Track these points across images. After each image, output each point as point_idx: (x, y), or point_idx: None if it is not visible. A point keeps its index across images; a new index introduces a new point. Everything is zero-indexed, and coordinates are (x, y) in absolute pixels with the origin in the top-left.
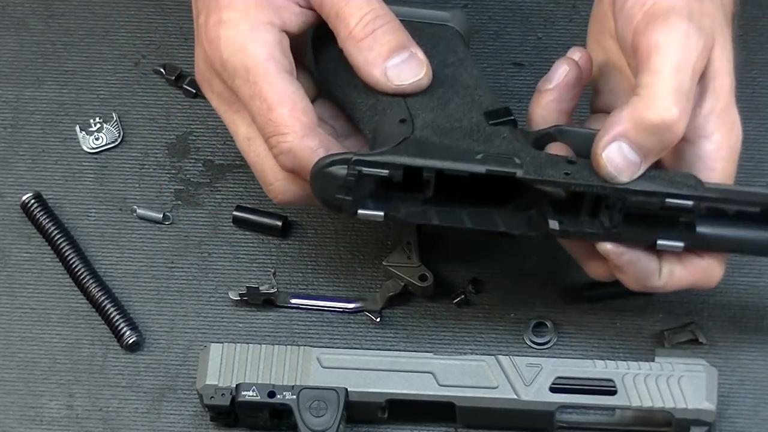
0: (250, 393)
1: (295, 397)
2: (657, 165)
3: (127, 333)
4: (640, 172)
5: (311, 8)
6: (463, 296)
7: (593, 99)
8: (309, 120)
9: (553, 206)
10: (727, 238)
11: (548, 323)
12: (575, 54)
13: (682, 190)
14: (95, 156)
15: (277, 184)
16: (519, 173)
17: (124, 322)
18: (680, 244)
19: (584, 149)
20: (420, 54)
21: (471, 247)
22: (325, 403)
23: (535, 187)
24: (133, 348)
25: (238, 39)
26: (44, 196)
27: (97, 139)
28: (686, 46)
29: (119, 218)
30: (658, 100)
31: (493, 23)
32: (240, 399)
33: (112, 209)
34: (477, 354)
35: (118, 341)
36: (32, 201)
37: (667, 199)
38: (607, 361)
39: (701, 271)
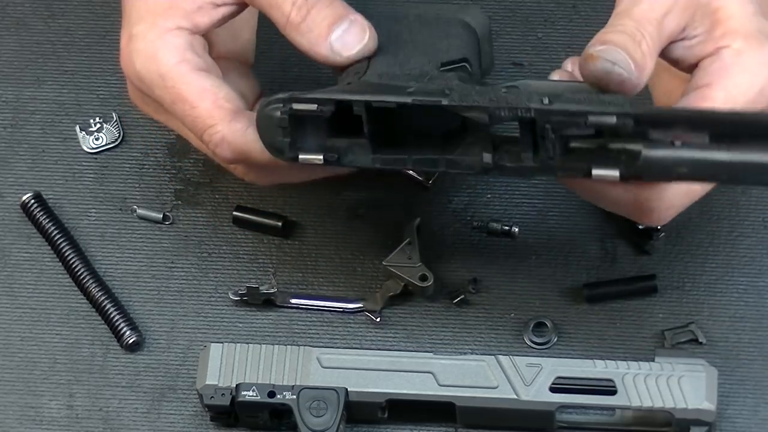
0: (250, 393)
1: (295, 397)
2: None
3: (127, 333)
4: (636, 74)
5: (234, 2)
6: (463, 296)
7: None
8: (233, 105)
9: (494, 145)
10: (672, 160)
11: (548, 323)
12: (568, 65)
13: (607, 108)
14: (95, 156)
15: (238, 171)
16: (444, 102)
17: (124, 322)
18: (615, 172)
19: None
20: (359, 19)
21: (471, 247)
22: (325, 403)
23: (478, 129)
24: (133, 348)
25: (148, 49)
26: (44, 196)
27: (97, 139)
28: None
29: (119, 218)
30: (618, 21)
31: (493, 23)
32: (240, 399)
33: (112, 209)
34: (477, 354)
35: (118, 341)
36: (32, 201)
37: (590, 117)
38: (607, 361)
39: (636, 198)
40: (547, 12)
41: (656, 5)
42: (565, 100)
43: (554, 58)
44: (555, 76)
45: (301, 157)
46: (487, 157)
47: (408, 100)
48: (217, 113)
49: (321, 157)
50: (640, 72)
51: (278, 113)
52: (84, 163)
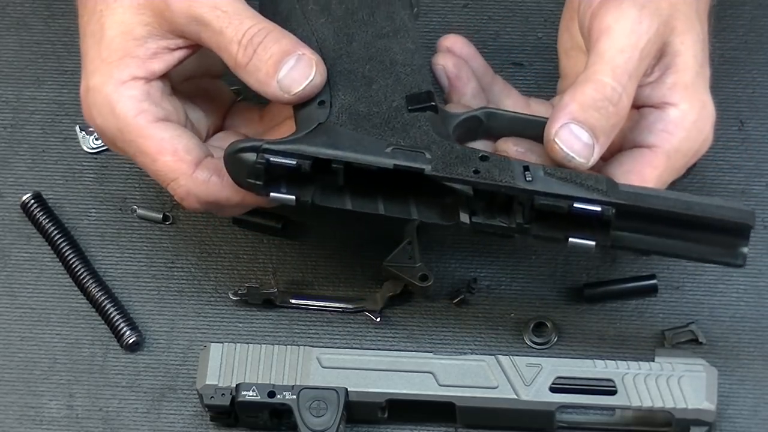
0: (250, 393)
1: (295, 397)
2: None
3: (127, 333)
4: (595, 156)
5: (188, 45)
6: (463, 296)
7: (560, 82)
8: (193, 157)
9: (469, 197)
10: (642, 240)
11: (548, 323)
12: (446, 43)
13: (591, 195)
14: (95, 156)
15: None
16: (427, 169)
17: (124, 322)
18: (592, 243)
19: (512, 132)
20: (308, 53)
21: (471, 247)
22: (325, 403)
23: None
24: (133, 348)
25: (105, 103)
26: (44, 196)
27: (97, 139)
28: (635, 30)
29: (119, 218)
30: (599, 76)
31: (493, 23)
32: (240, 399)
33: (112, 209)
34: (477, 354)
35: (118, 341)
36: (32, 201)
37: (575, 204)
38: (607, 361)
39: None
40: (547, 12)
41: (638, 52)
42: (548, 174)
43: (554, 58)
44: (440, 59)
45: (272, 195)
46: (464, 217)
47: (390, 165)
48: (177, 167)
49: (293, 198)
50: (599, 153)
51: (252, 160)
52: (84, 163)
